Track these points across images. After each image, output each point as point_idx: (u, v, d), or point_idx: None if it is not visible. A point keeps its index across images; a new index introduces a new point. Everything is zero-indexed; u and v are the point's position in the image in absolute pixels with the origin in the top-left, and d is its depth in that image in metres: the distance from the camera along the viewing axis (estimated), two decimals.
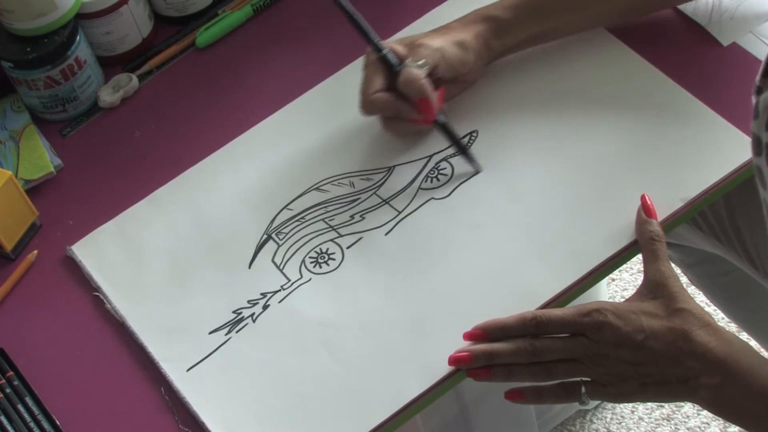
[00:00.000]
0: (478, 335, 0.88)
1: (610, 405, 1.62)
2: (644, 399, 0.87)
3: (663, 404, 1.60)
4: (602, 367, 0.85)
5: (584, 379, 0.87)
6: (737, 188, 0.99)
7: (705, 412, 1.58)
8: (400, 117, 0.97)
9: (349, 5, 0.98)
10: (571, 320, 0.86)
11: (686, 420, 1.59)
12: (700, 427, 1.58)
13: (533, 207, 0.95)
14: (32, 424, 0.90)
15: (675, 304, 0.86)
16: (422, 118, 0.97)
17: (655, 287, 0.87)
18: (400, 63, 0.96)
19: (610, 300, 1.63)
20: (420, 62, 0.95)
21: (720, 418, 1.56)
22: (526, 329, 0.86)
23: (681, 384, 0.85)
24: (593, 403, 1.61)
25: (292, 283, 0.95)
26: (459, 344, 0.88)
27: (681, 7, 1.05)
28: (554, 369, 0.86)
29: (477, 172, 0.98)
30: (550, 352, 0.86)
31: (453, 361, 0.87)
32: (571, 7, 0.99)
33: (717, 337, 0.85)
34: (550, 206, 0.95)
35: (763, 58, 1.00)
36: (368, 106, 0.97)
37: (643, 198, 0.92)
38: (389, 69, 0.96)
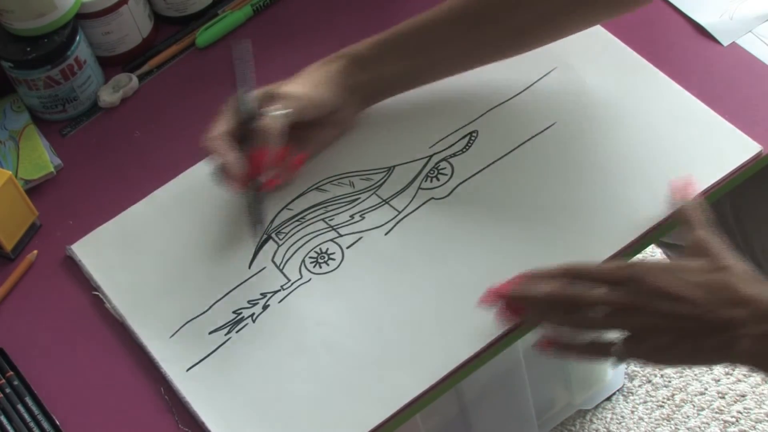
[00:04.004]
0: (509, 289, 0.86)
1: (610, 405, 1.62)
2: (678, 358, 0.84)
3: (663, 404, 1.61)
4: (637, 319, 0.82)
5: (617, 338, 0.84)
6: (744, 189, 0.98)
7: (705, 412, 1.59)
8: (225, 169, 0.93)
9: (243, 51, 0.96)
10: (609, 271, 0.83)
11: (686, 420, 1.59)
12: (700, 427, 1.58)
13: (533, 207, 0.95)
14: (32, 424, 0.90)
15: (719, 262, 0.83)
16: (242, 176, 0.92)
17: (696, 251, 0.85)
18: (258, 111, 0.94)
19: None
20: (282, 111, 0.93)
21: (721, 418, 1.56)
22: (563, 279, 0.84)
23: (720, 334, 0.81)
24: (593, 403, 1.61)
25: (292, 283, 0.95)
26: (458, 344, 0.88)
27: (681, 6, 1.05)
28: (589, 316, 0.83)
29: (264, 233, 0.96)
30: (587, 298, 0.83)
31: (491, 294, 0.86)
32: (427, 45, 0.97)
33: (765, 288, 0.82)
34: (550, 206, 0.95)
35: (763, 59, 1.01)
36: (207, 142, 0.94)
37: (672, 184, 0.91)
38: (246, 118, 0.94)
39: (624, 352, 0.84)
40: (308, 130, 0.98)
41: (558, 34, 0.98)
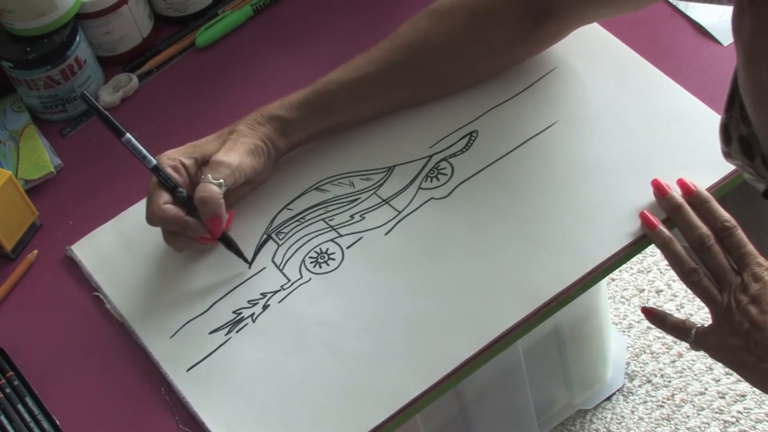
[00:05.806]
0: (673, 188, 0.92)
1: (610, 405, 1.62)
2: (744, 369, 0.89)
3: (663, 404, 1.61)
4: (729, 309, 0.88)
5: (698, 325, 0.92)
6: (734, 198, 0.98)
7: (705, 412, 1.59)
8: (184, 234, 0.94)
9: (132, 142, 0.96)
10: (750, 253, 0.89)
11: (686, 420, 1.59)
12: (700, 427, 1.58)
13: (533, 207, 0.95)
14: (32, 424, 0.91)
15: None
16: (209, 237, 0.94)
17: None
18: (184, 183, 0.95)
19: (610, 300, 1.63)
20: (219, 181, 0.93)
21: (721, 418, 1.56)
22: (716, 225, 0.90)
23: None
24: (593, 403, 1.61)
25: (292, 283, 0.95)
26: (458, 344, 0.88)
27: (681, 6, 1.05)
28: (699, 273, 0.90)
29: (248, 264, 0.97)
30: (714, 255, 0.90)
31: (656, 185, 0.92)
32: (353, 101, 0.99)
33: None
34: (550, 206, 0.95)
35: None
36: (154, 217, 0.94)
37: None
38: (172, 188, 0.94)
39: (698, 341, 0.91)
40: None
41: (477, 81, 1.03)
